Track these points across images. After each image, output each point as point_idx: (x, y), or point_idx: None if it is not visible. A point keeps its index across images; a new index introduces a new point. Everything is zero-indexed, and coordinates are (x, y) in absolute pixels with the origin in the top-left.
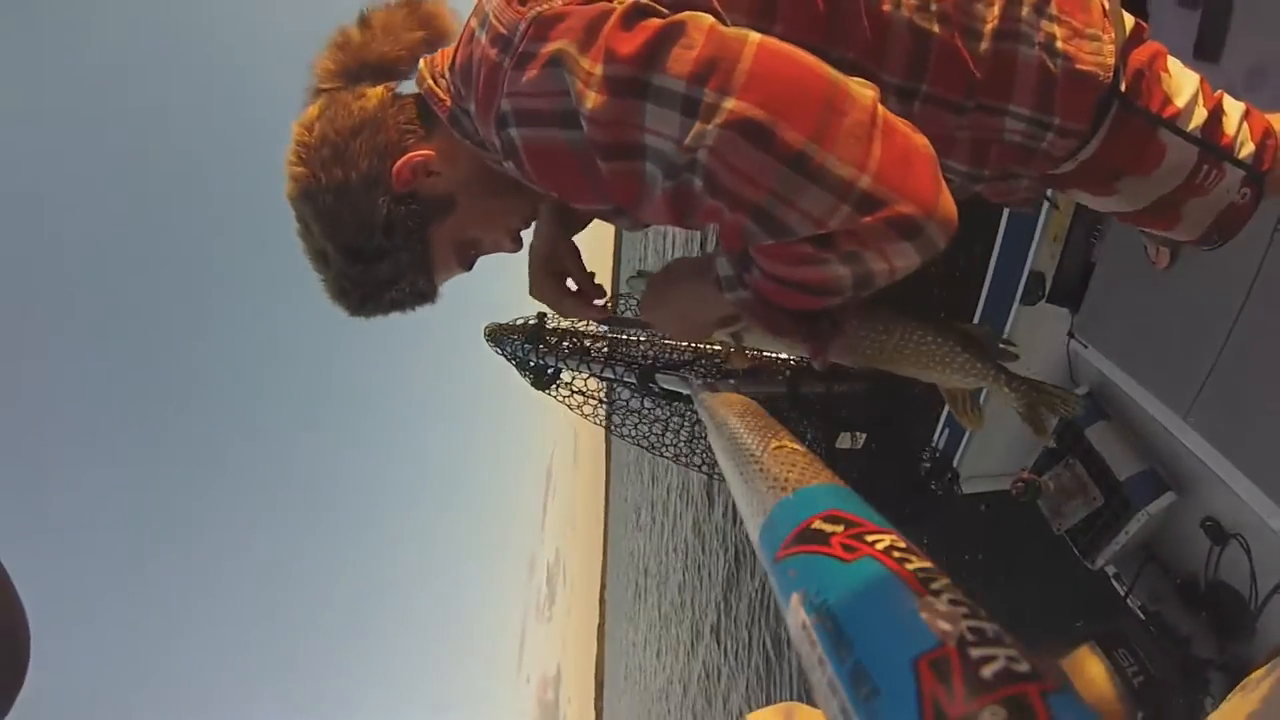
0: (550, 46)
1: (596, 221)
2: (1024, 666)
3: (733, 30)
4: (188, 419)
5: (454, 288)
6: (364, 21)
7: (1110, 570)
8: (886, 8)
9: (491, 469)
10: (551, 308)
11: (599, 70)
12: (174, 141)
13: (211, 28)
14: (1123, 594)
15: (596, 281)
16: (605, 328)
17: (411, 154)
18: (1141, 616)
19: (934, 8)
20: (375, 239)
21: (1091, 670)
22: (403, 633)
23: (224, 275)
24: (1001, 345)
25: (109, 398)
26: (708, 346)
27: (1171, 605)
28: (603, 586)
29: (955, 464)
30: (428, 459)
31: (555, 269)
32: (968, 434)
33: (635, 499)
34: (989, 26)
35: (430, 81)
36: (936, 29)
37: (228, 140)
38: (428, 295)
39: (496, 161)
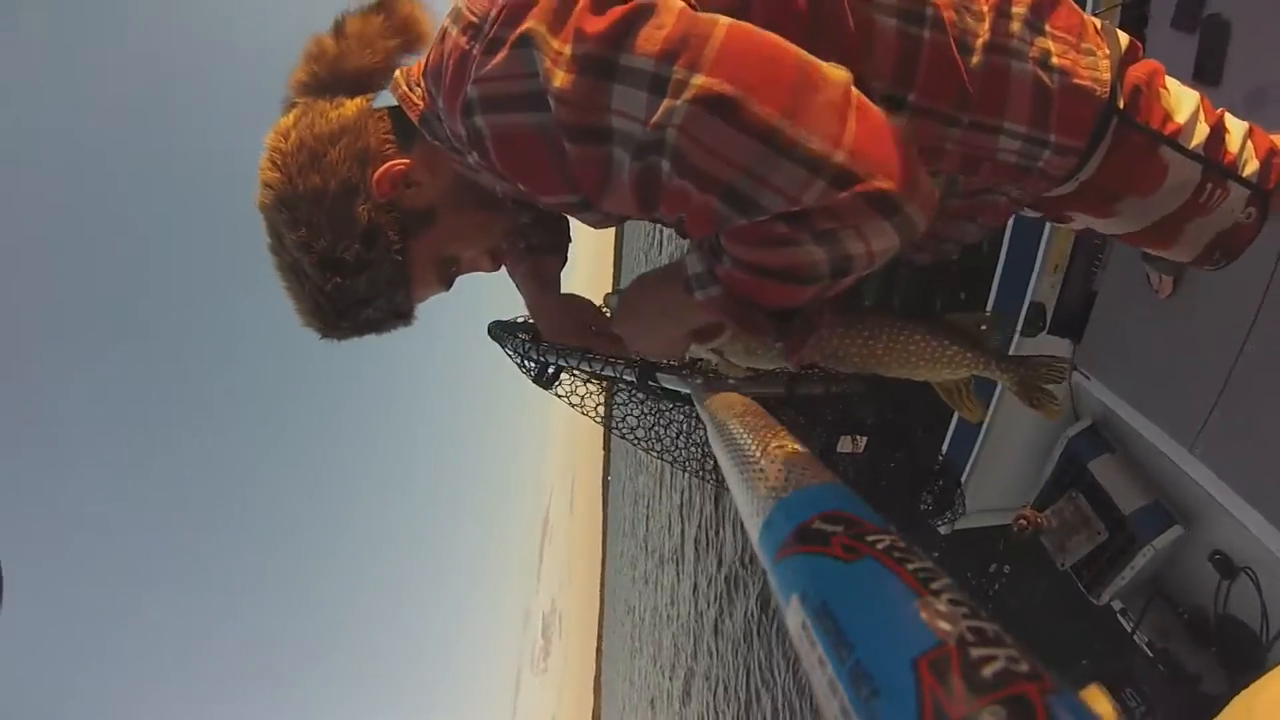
0: (520, 28)
1: (595, 235)
2: (1024, 666)
3: (705, 14)
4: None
5: (463, 337)
6: (338, 29)
7: (1116, 606)
8: (873, 12)
9: (487, 517)
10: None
11: (568, 50)
12: (182, 140)
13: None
14: (1129, 630)
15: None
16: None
17: (392, 163)
18: (1149, 653)
19: (927, 13)
20: (354, 250)
21: (1098, 710)
22: (395, 684)
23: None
24: (984, 327)
25: (109, 398)
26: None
27: (1180, 641)
28: (599, 638)
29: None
30: (423, 505)
31: (584, 328)
32: (965, 472)
33: (632, 550)
34: (979, 40)
35: (405, 88)
36: (927, 35)
37: (227, 140)
38: (405, 315)
39: (470, 167)
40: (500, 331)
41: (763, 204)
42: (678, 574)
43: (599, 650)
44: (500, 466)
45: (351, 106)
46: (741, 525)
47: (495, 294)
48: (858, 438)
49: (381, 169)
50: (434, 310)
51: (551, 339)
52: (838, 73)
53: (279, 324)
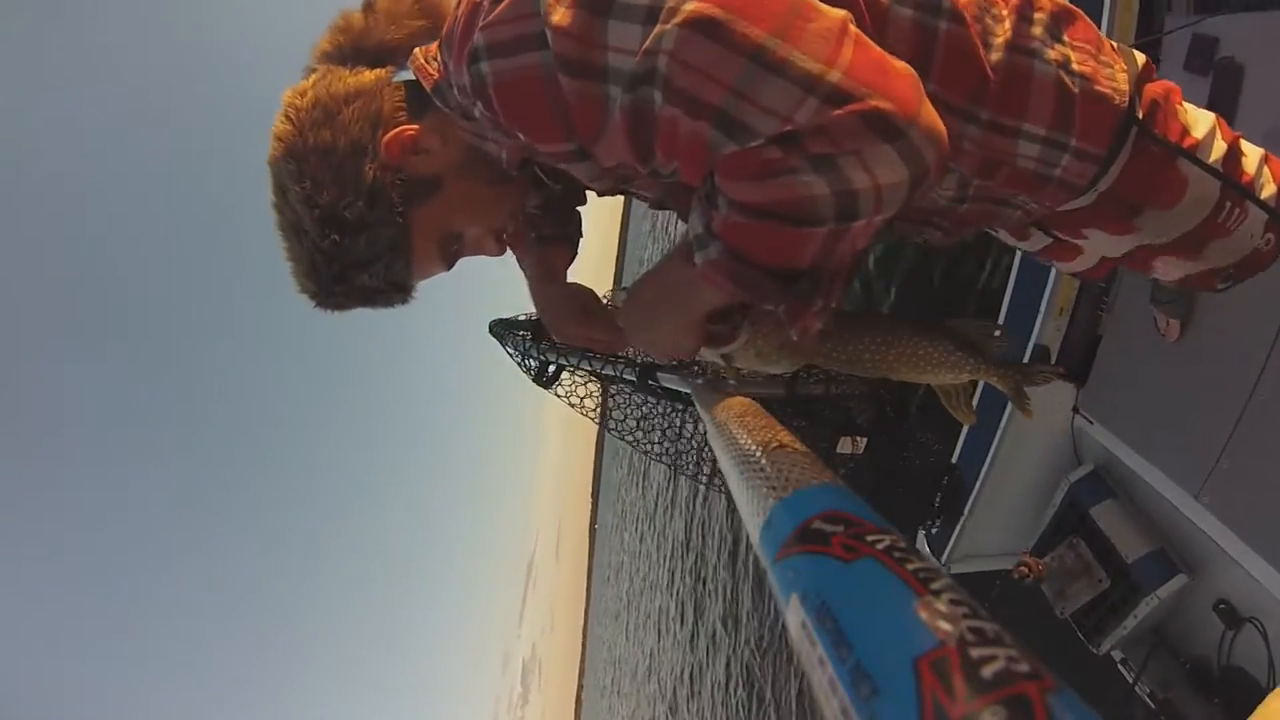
0: None
1: (599, 238)
2: (1024, 666)
3: None
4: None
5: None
6: (368, 5)
7: (1117, 655)
8: (889, 1)
9: (473, 554)
10: (587, 344)
11: None
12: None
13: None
14: (1131, 681)
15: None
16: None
17: (403, 127)
18: (1151, 705)
19: (944, 5)
20: (356, 206)
21: None
22: (372, 712)
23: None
24: (994, 336)
25: (104, 394)
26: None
27: (1183, 692)
28: (579, 688)
29: (952, 540)
30: (410, 533)
31: (588, 320)
32: (964, 514)
33: (615, 604)
34: (1000, 39)
35: (421, 60)
36: (944, 26)
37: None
38: (404, 287)
39: (477, 132)
40: (501, 329)
41: (752, 125)
42: (660, 630)
43: (579, 700)
44: (488, 505)
45: (370, 74)
46: (732, 586)
47: (503, 304)
48: (858, 439)
49: (392, 132)
50: (441, 325)
51: (554, 328)
52: (835, 11)
53: (278, 353)
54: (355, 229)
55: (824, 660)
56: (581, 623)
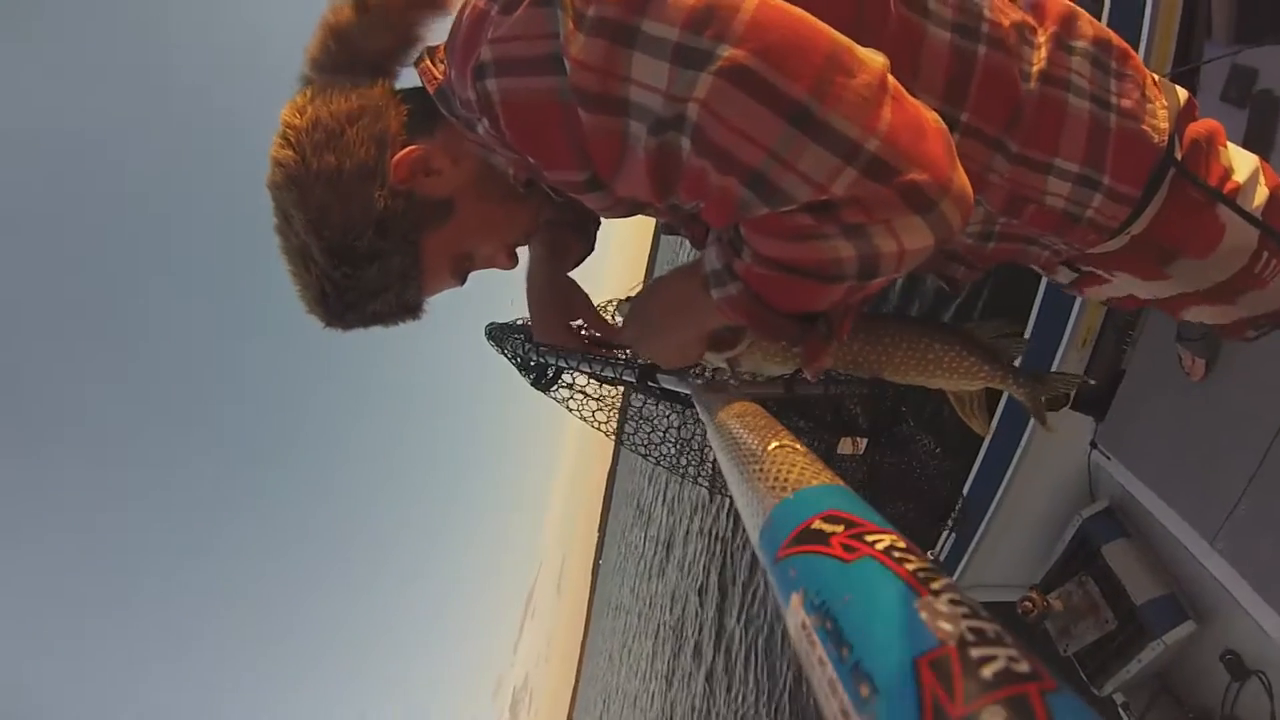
0: None
1: (628, 250)
2: (1024, 666)
3: None
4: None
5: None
6: (360, 4)
7: (1119, 699)
8: (927, 23)
9: (475, 581)
10: (564, 349)
11: (590, 11)
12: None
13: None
14: None
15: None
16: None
17: (413, 148)
18: None
19: (984, 30)
20: (366, 238)
21: None
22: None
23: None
24: (1006, 336)
25: (110, 394)
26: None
27: None
28: (569, 717)
29: (959, 569)
30: (412, 557)
31: (568, 314)
32: (973, 543)
33: (612, 640)
34: (1035, 68)
35: (427, 62)
36: (983, 51)
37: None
38: (414, 309)
39: (483, 143)
40: (500, 333)
41: (787, 190)
42: (652, 673)
43: None
44: (495, 532)
45: (372, 89)
46: (721, 630)
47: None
48: (858, 439)
49: (401, 153)
50: (458, 338)
51: (537, 314)
52: (874, 57)
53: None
54: (366, 260)
55: (824, 660)
56: (577, 655)
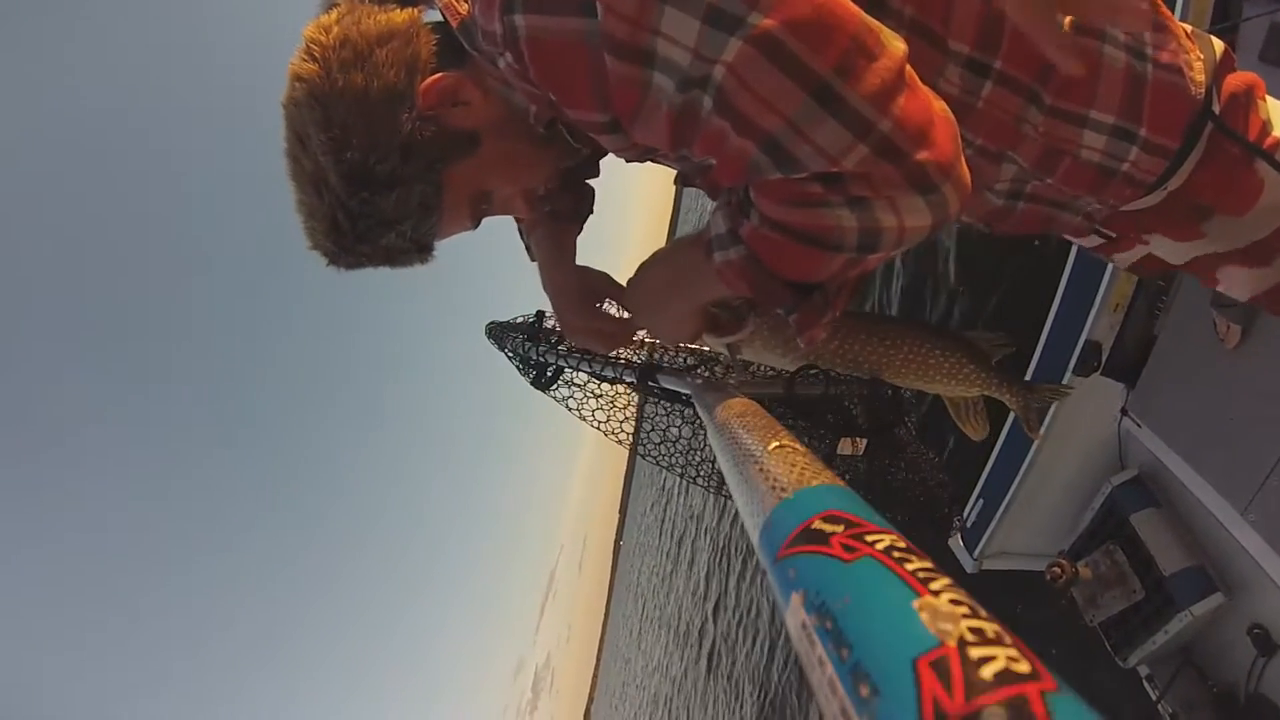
0: None
1: (651, 210)
2: (1024, 666)
3: None
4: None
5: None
6: None
7: (1143, 671)
8: None
9: (497, 562)
10: (597, 346)
11: None
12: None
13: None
14: (1154, 698)
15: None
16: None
17: (441, 75)
18: None
19: None
20: (390, 162)
21: None
22: (382, 702)
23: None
24: (998, 345)
25: (110, 394)
26: (702, 348)
27: (1205, 716)
28: (590, 700)
29: (986, 536)
30: (433, 540)
31: (593, 298)
32: (1000, 510)
33: (634, 618)
34: (1069, 19)
35: None
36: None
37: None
38: (426, 248)
39: (504, 80)
40: (500, 331)
41: (800, 159)
42: (681, 648)
43: (587, 714)
44: (517, 512)
45: (401, 14)
46: (741, 612)
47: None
48: (858, 440)
49: (430, 79)
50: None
51: (561, 318)
52: (896, 44)
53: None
54: (386, 185)
55: (824, 660)
56: (599, 635)
